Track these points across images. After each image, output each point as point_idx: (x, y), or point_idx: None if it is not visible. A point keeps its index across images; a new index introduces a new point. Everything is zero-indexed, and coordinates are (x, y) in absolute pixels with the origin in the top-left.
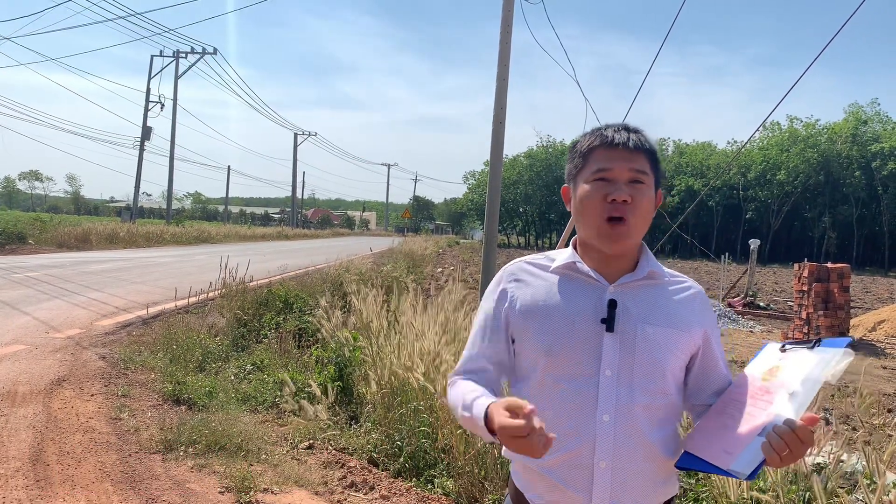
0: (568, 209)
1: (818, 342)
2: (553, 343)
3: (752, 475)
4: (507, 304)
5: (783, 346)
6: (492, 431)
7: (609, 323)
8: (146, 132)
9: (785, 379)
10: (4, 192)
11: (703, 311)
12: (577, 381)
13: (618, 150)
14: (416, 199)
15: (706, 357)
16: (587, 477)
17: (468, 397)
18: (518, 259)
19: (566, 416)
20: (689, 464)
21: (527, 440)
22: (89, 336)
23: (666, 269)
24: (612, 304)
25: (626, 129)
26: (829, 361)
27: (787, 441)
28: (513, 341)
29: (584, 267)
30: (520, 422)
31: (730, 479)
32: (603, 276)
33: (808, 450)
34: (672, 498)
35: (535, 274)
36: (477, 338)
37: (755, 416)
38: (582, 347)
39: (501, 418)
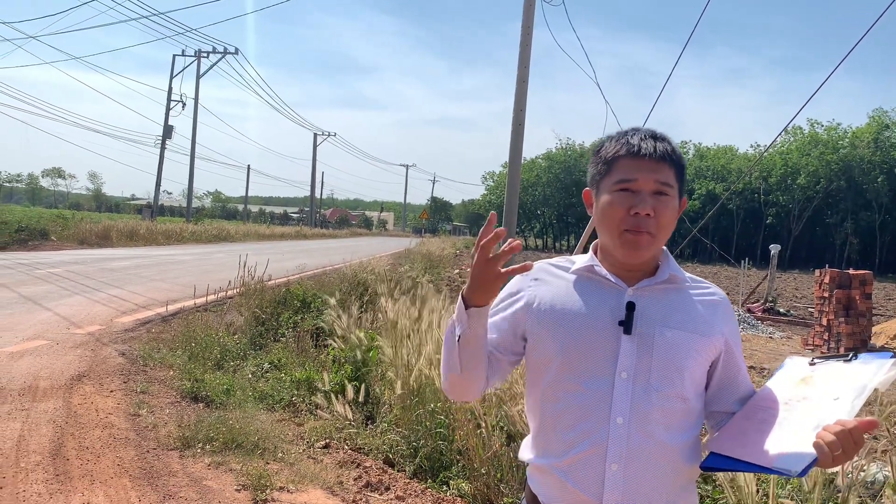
0: (589, 213)
1: (855, 355)
2: (568, 343)
3: (804, 472)
4: (523, 303)
5: (812, 360)
6: (466, 305)
7: (627, 325)
8: (168, 131)
9: (824, 386)
10: (28, 188)
11: (726, 318)
12: (592, 382)
13: (644, 160)
14: (433, 199)
15: (728, 364)
16: (598, 479)
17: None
18: (540, 261)
19: (580, 417)
20: (718, 464)
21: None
22: (109, 332)
23: (688, 275)
24: (630, 307)
25: (653, 137)
26: (878, 370)
27: (840, 440)
28: (525, 339)
29: (603, 270)
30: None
31: (750, 486)
32: (622, 280)
33: (858, 452)
34: None
35: (554, 274)
36: (491, 316)
37: (797, 418)
38: (598, 349)
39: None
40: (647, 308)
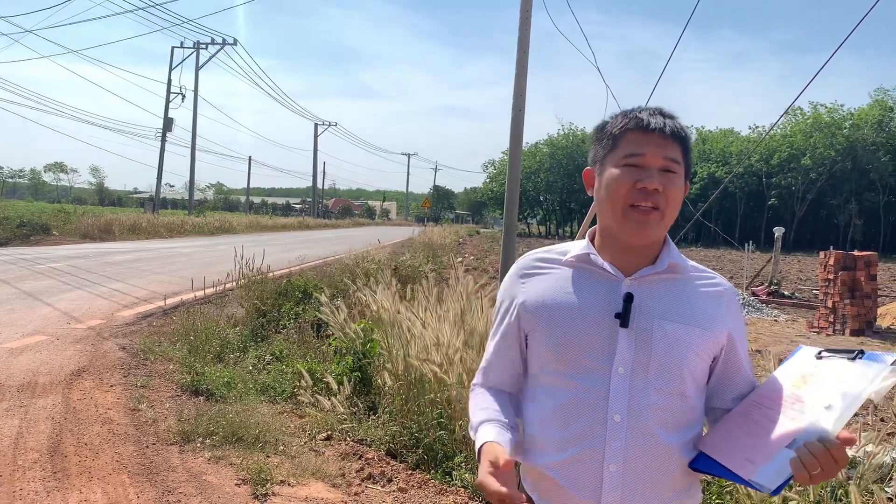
0: (589, 194)
1: (861, 353)
2: (563, 339)
3: (777, 491)
4: (518, 301)
5: (819, 353)
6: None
7: (623, 318)
8: (168, 123)
9: (820, 389)
10: (30, 184)
11: (730, 311)
12: (588, 379)
13: (653, 135)
14: (436, 188)
15: (729, 359)
16: (596, 480)
17: (476, 418)
18: (531, 252)
19: (576, 416)
20: (705, 466)
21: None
22: (110, 327)
23: (691, 263)
24: (628, 298)
25: (662, 113)
26: (875, 377)
27: (819, 459)
28: (526, 337)
29: (599, 259)
30: (500, 489)
31: None
32: (619, 270)
33: (840, 471)
34: None
35: (546, 268)
36: (494, 340)
37: (784, 426)
38: (594, 343)
39: (484, 474)
40: (646, 300)
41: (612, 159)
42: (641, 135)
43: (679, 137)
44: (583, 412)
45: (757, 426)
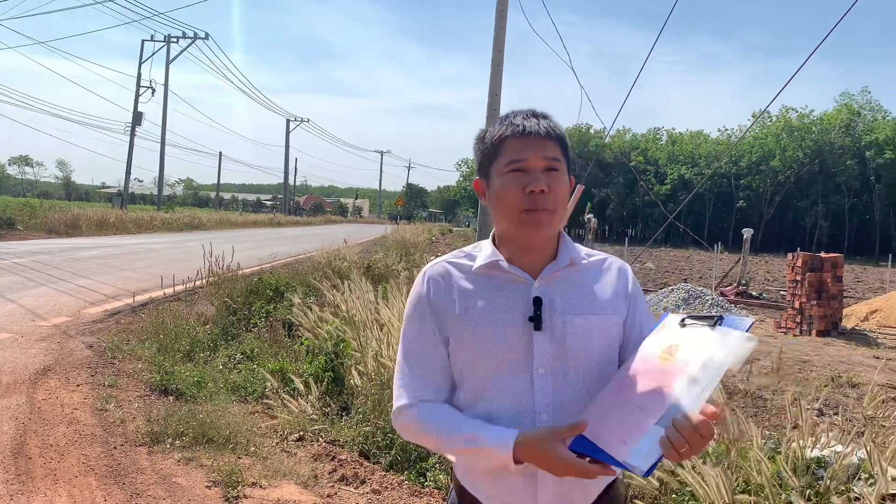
0: (482, 202)
1: (720, 320)
2: (484, 345)
3: (649, 472)
4: (435, 311)
5: (683, 320)
6: (516, 461)
7: (536, 321)
8: (137, 118)
9: (685, 361)
10: None
11: (625, 283)
12: (512, 383)
13: (530, 138)
14: (409, 186)
15: (631, 330)
16: (532, 477)
17: (466, 427)
18: (439, 260)
19: (506, 419)
20: (583, 449)
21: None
22: (76, 324)
23: (583, 251)
24: (537, 302)
25: (535, 115)
26: (732, 347)
27: (686, 437)
28: (447, 345)
29: (506, 264)
30: (590, 466)
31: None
32: (525, 270)
33: (708, 444)
34: (614, 480)
35: (458, 277)
36: (416, 355)
37: (653, 402)
38: (513, 349)
39: (569, 457)
40: (554, 299)
41: (496, 168)
42: (520, 140)
43: (556, 136)
44: (513, 416)
45: (627, 404)
